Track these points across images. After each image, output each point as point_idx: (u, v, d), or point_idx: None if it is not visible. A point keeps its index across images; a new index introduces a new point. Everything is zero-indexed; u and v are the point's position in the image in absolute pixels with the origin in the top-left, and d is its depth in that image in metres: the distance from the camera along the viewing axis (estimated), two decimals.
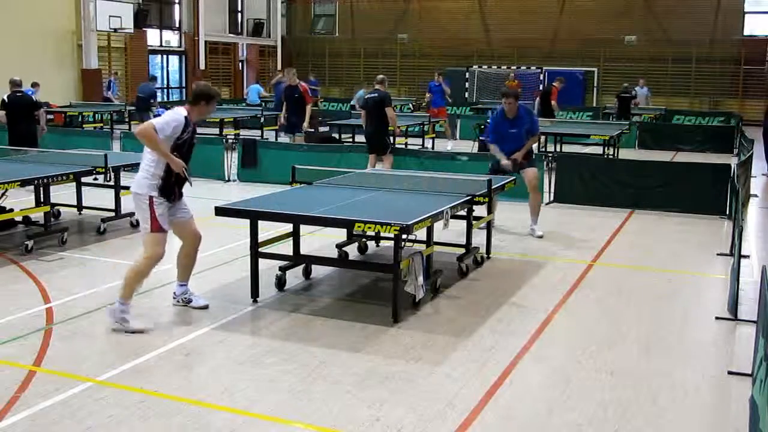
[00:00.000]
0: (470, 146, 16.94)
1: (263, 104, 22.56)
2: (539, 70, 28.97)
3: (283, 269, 6.81)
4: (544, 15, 30.21)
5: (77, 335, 5.61)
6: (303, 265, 7.13)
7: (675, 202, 10.54)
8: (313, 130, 15.48)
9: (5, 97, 11.62)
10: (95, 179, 9.69)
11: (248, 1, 33.26)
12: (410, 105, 25.45)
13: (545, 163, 12.26)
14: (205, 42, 30.12)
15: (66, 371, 4.94)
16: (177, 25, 29.79)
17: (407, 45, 32.72)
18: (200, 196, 11.41)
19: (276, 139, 16.51)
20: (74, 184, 9.27)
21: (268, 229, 7.24)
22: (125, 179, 8.82)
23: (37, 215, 8.70)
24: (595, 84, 29.82)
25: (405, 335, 5.71)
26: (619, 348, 5.59)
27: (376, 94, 11.46)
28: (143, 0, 26.75)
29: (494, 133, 9.26)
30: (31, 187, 8.58)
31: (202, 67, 30.06)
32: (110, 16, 24.16)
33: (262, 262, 6.51)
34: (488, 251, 8.07)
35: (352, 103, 22.08)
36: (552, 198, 11.26)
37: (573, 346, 5.60)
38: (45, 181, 8.32)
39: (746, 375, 4.95)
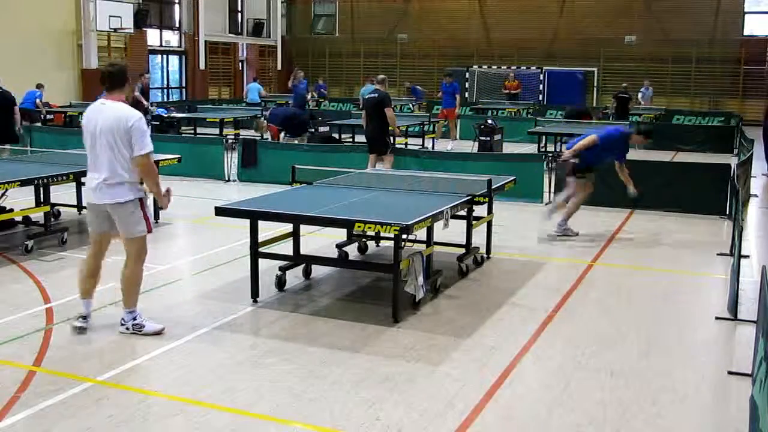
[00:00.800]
0: (470, 146, 16.95)
1: (263, 104, 22.53)
2: (539, 70, 29.01)
3: (283, 269, 6.81)
4: (544, 15, 30.20)
5: (77, 335, 5.60)
6: (303, 265, 7.13)
7: (675, 202, 10.54)
8: (313, 130, 15.53)
9: None
10: None
11: (248, 1, 33.25)
12: (410, 105, 25.44)
13: (545, 163, 12.25)
14: (205, 42, 30.11)
15: (66, 371, 4.94)
16: (177, 25, 29.78)
17: (407, 45, 32.72)
18: (200, 196, 11.44)
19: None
20: (74, 184, 9.27)
21: (268, 229, 7.24)
22: None
23: (37, 215, 8.70)
24: (595, 84, 29.83)
25: (405, 335, 5.71)
26: (619, 348, 5.58)
27: (376, 95, 11.45)
28: (143, 0, 26.74)
29: (604, 151, 9.01)
30: (32, 187, 8.59)
31: (202, 67, 30.06)
32: (110, 16, 24.15)
33: (262, 262, 6.51)
34: (488, 251, 8.07)
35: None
36: (552, 198, 11.24)
37: (573, 346, 5.60)
38: (45, 181, 8.32)
39: (746, 375, 4.94)
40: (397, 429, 4.25)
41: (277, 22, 34.19)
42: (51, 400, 4.52)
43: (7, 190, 8.31)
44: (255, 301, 6.41)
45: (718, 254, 8.37)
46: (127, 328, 5.63)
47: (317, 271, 7.31)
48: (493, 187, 7.39)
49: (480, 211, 7.73)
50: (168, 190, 5.71)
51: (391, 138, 11.89)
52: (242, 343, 5.50)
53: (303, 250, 7.20)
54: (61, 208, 9.64)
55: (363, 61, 32.91)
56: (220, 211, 6.41)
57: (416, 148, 15.46)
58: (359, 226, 6.27)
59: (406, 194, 7.37)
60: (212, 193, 11.81)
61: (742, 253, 6.89)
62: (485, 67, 30.00)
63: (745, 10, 28.76)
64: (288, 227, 7.08)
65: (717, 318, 6.23)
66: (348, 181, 8.00)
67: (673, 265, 8.00)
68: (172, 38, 29.77)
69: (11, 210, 8.95)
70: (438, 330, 5.85)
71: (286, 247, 7.11)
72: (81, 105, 21.96)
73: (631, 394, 4.77)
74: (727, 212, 10.17)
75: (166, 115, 18.13)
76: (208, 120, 18.36)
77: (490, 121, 16.44)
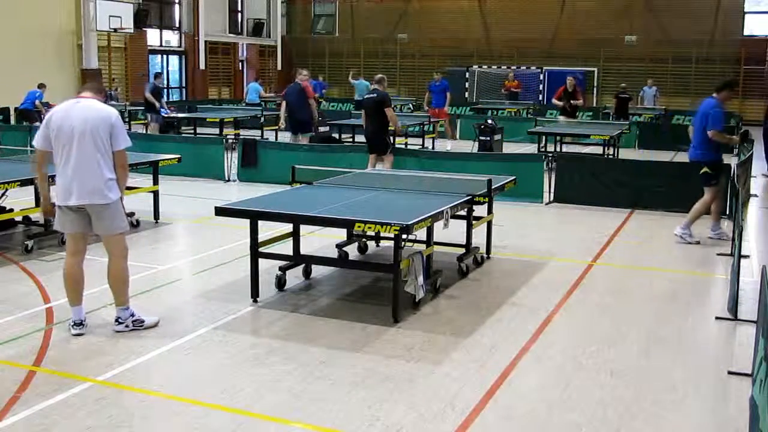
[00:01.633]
0: (470, 146, 16.94)
1: (263, 104, 22.52)
2: (539, 70, 29.00)
3: (283, 269, 6.81)
4: (544, 15, 30.20)
5: (77, 335, 5.60)
6: (303, 265, 7.13)
7: (675, 202, 10.53)
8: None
9: None
10: None
11: (248, 1, 33.25)
12: (410, 105, 25.46)
13: (545, 163, 12.25)
14: (205, 42, 30.12)
15: (66, 371, 4.94)
16: (177, 25, 29.79)
17: (407, 45, 32.72)
18: (200, 196, 11.44)
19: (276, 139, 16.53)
20: None
21: (268, 229, 7.24)
22: None
23: (37, 215, 8.69)
24: (595, 84, 29.83)
25: (405, 335, 5.71)
26: (619, 348, 5.58)
27: (375, 94, 11.44)
28: (143, 0, 26.74)
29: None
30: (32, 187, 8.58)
31: (202, 66, 30.07)
32: (110, 16, 24.15)
33: (262, 262, 6.51)
34: (488, 251, 8.07)
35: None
36: (552, 198, 11.26)
37: (573, 346, 5.60)
38: None
39: (746, 375, 4.95)
40: (397, 429, 4.25)
41: (277, 22, 34.19)
42: (51, 400, 4.52)
43: (7, 190, 8.31)
44: (255, 301, 6.41)
45: (718, 254, 8.38)
46: (127, 326, 5.64)
47: (317, 271, 7.31)
48: (493, 187, 7.39)
49: (480, 211, 7.73)
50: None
51: (391, 138, 11.89)
52: (242, 343, 5.50)
53: (303, 250, 7.20)
54: None
55: (363, 61, 32.90)
56: (220, 211, 6.41)
57: (416, 148, 15.46)
58: (359, 226, 6.27)
59: (406, 194, 7.36)
60: (212, 193, 11.81)
61: (742, 253, 6.89)
62: (485, 66, 30.01)
63: (745, 10, 28.79)
64: (288, 227, 7.08)
65: (717, 318, 6.23)
66: (348, 181, 8.00)
67: (673, 265, 8.00)
68: (172, 38, 29.78)
69: (11, 210, 8.95)
70: (438, 330, 5.85)
71: (286, 247, 7.11)
72: None
73: (631, 394, 4.77)
74: (727, 212, 10.17)
75: (166, 115, 18.15)
76: (208, 120, 18.37)
77: (490, 121, 16.42)
